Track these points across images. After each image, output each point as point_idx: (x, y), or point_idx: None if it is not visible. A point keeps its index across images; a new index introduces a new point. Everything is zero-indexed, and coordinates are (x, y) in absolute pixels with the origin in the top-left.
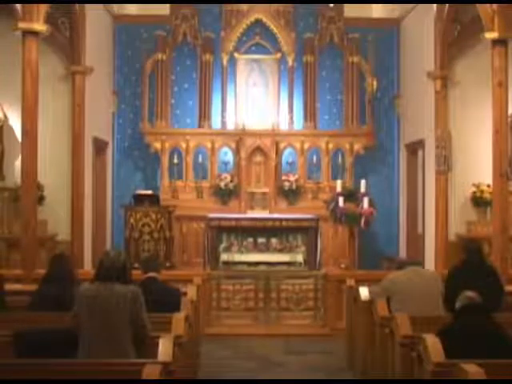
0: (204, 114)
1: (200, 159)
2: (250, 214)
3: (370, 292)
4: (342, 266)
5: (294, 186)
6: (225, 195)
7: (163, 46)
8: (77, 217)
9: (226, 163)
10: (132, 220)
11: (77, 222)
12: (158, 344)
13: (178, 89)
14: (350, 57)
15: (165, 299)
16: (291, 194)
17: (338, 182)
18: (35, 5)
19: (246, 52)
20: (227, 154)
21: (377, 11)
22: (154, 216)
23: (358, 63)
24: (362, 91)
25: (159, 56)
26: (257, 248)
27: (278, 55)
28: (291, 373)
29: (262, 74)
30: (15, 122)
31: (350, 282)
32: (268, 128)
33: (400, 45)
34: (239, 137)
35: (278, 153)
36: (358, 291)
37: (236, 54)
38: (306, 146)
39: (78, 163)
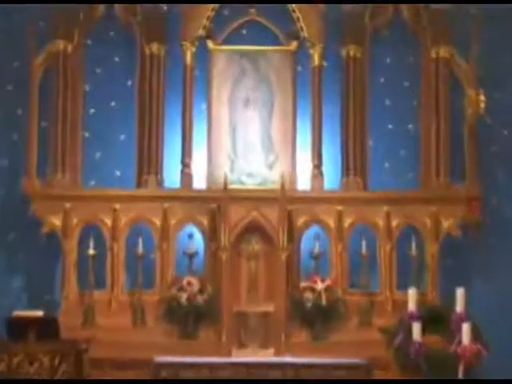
0: (148, 161)
1: (140, 249)
2: (239, 357)
3: None
4: None
5: (323, 301)
6: (188, 320)
7: (68, 27)
8: None
9: (190, 256)
10: (3, 367)
11: None
12: None
13: (96, 110)
14: (434, 48)
15: None
16: (319, 317)
17: (411, 294)
18: None
19: (231, 39)
20: (193, 239)
21: None
22: (46, 360)
23: (448, 61)
24: (456, 114)
25: (60, 46)
26: None
27: (293, 46)
28: None
29: (261, 83)
30: None
31: None
32: (273, 186)
33: None
34: (217, 203)
35: (294, 235)
36: None
37: (211, 44)
38: (348, 221)
39: None
